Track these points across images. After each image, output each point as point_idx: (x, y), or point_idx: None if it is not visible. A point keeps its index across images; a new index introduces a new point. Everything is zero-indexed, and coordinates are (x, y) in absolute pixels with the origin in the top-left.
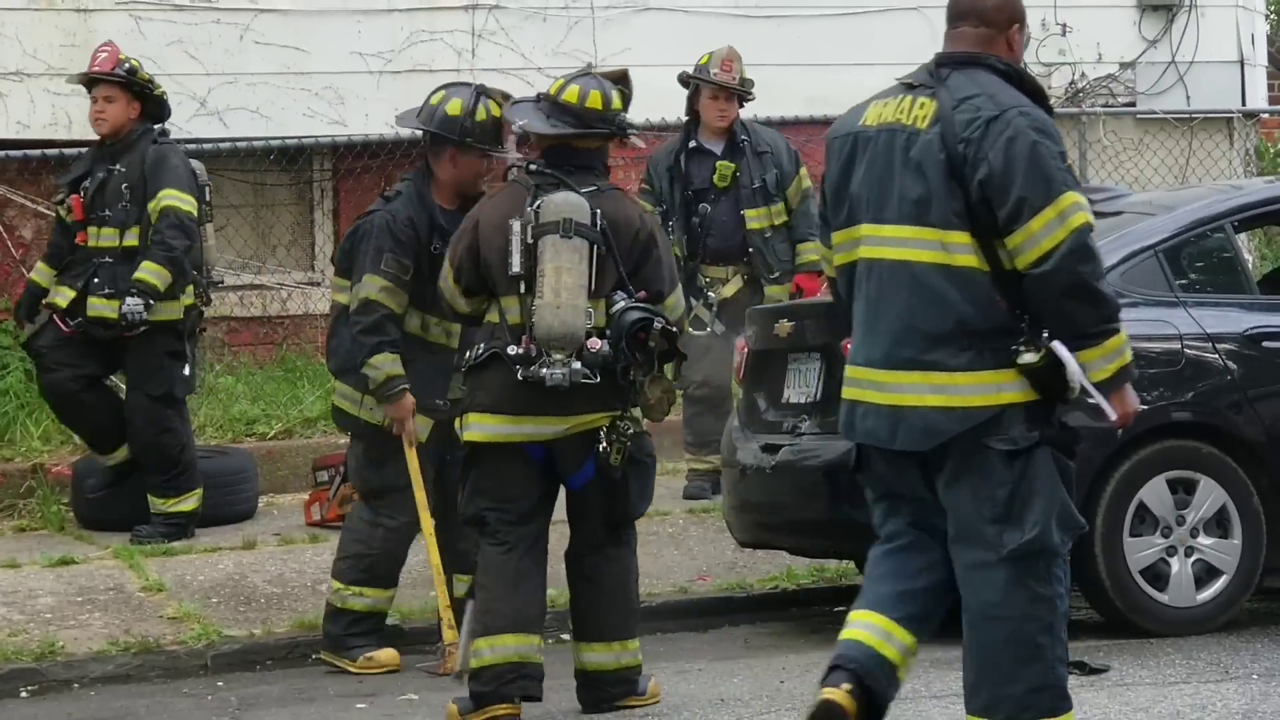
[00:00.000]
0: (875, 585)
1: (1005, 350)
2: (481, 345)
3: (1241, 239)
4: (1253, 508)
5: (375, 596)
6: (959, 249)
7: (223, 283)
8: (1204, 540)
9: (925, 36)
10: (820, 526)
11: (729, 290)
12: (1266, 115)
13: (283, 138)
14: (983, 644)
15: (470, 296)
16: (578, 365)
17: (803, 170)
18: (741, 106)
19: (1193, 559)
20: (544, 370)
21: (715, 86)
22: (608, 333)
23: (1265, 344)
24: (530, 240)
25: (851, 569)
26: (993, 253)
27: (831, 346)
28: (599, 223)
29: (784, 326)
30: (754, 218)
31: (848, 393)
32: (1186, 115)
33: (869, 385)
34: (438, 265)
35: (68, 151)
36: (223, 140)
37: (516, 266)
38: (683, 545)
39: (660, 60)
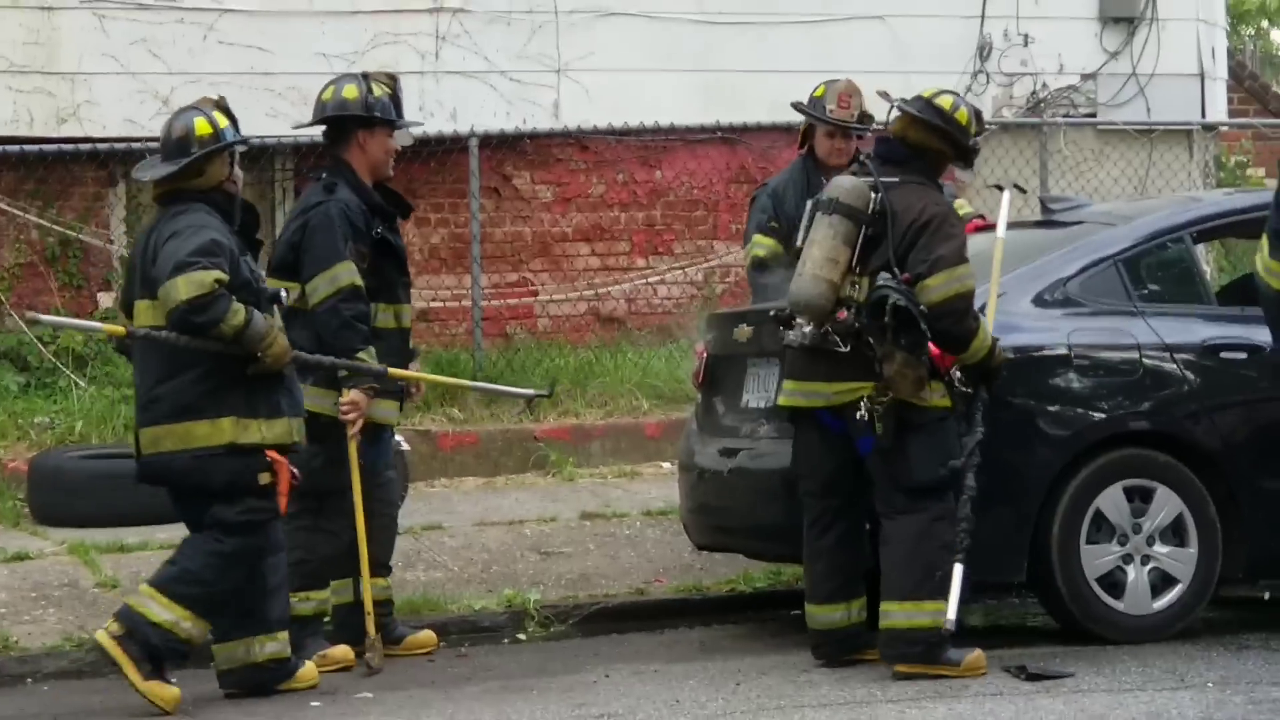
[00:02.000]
0: None
1: None
2: None
3: (1200, 250)
4: (1209, 517)
5: (320, 598)
6: None
7: None
8: (1160, 549)
9: (887, 45)
10: (777, 531)
11: None
12: (1226, 128)
13: (246, 139)
14: None
15: None
16: (809, 329)
17: None
18: (860, 140)
19: (1149, 567)
20: (790, 333)
21: (832, 125)
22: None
23: (1223, 354)
24: (811, 216)
25: None
26: None
27: None
28: (874, 206)
29: (744, 331)
30: None
31: None
32: (1147, 127)
33: None
34: (382, 250)
35: (28, 148)
36: None
37: (799, 240)
38: (640, 547)
39: (624, 65)
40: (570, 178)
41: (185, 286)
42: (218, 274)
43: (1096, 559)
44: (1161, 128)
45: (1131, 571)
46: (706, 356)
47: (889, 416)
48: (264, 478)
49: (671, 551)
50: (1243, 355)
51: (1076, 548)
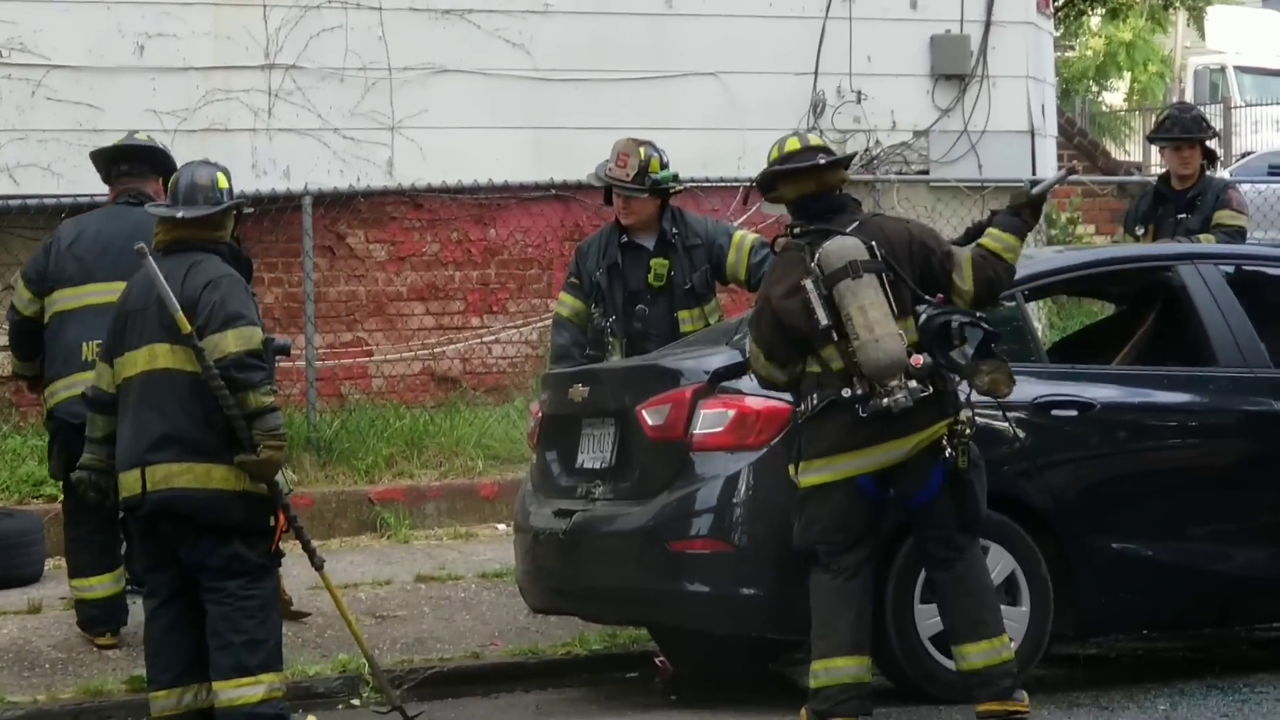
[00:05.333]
0: None
1: None
2: (814, 397)
3: (1032, 307)
4: (1041, 575)
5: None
6: None
7: None
8: None
9: (721, 101)
10: (613, 594)
11: None
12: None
13: (75, 195)
14: None
15: (786, 366)
16: (915, 384)
17: (737, 235)
18: (666, 199)
19: None
20: (885, 400)
21: (605, 183)
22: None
23: (1054, 412)
24: (825, 292)
25: (644, 635)
26: None
27: (626, 411)
28: (878, 252)
29: (578, 391)
30: (687, 319)
31: None
32: (978, 184)
33: None
34: None
35: None
36: (13, 197)
37: (824, 319)
38: (475, 610)
39: (457, 122)
40: (404, 236)
41: (235, 340)
42: (261, 333)
43: (930, 618)
44: (993, 184)
45: None
46: (542, 416)
47: (969, 450)
48: (271, 520)
49: (507, 614)
50: (1073, 413)
51: (910, 607)
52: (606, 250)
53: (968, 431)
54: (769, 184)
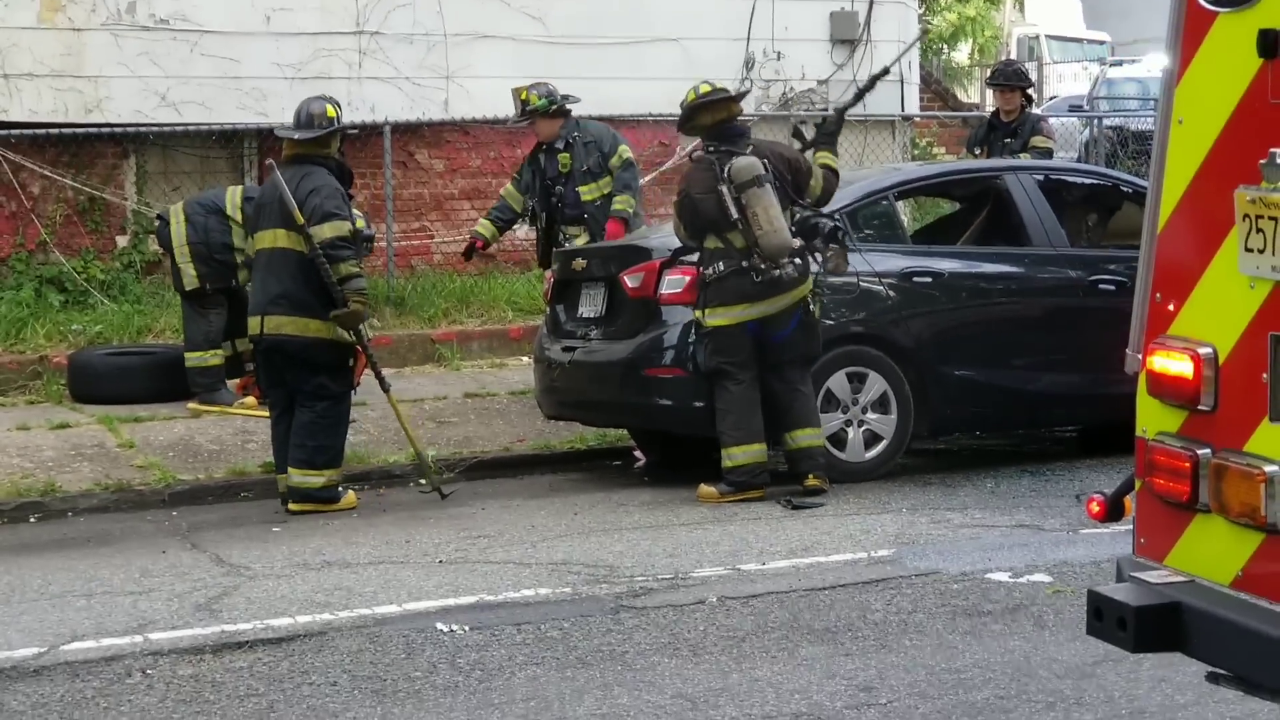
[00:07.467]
0: None
1: None
2: (721, 264)
3: (900, 205)
4: (904, 393)
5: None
6: None
7: None
8: (871, 416)
9: (681, 58)
10: (603, 405)
11: (579, 241)
12: (917, 119)
13: (221, 124)
14: None
15: (695, 238)
16: (799, 260)
17: (621, 146)
18: (561, 117)
19: (863, 429)
20: (777, 271)
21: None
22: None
23: (915, 279)
24: (737, 195)
25: (625, 435)
26: None
27: (613, 277)
28: (769, 167)
29: (579, 263)
30: (585, 191)
31: None
32: (863, 118)
33: None
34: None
35: (65, 131)
36: (178, 125)
37: (735, 214)
38: (506, 417)
39: (496, 73)
40: (456, 154)
41: (330, 229)
42: (350, 225)
43: (827, 423)
44: (873, 119)
45: (851, 432)
46: (553, 280)
47: (821, 302)
48: (351, 360)
49: (529, 420)
50: (929, 279)
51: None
52: (535, 155)
53: (818, 290)
54: (690, 115)
